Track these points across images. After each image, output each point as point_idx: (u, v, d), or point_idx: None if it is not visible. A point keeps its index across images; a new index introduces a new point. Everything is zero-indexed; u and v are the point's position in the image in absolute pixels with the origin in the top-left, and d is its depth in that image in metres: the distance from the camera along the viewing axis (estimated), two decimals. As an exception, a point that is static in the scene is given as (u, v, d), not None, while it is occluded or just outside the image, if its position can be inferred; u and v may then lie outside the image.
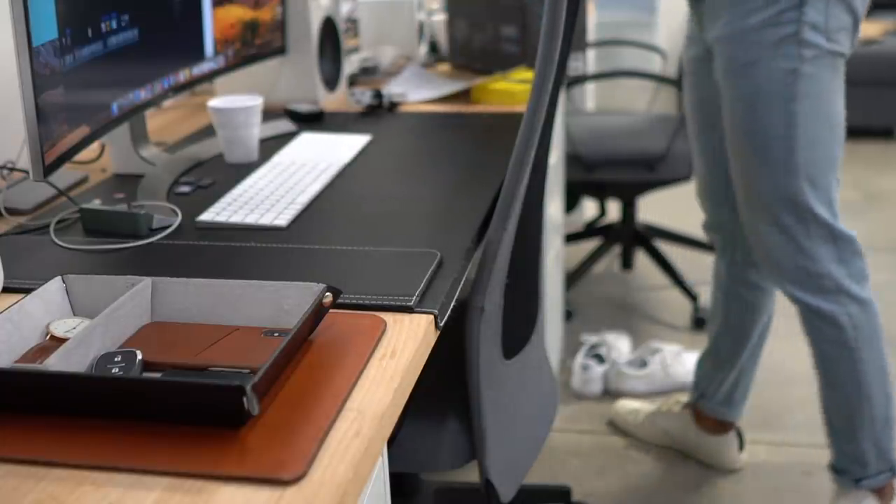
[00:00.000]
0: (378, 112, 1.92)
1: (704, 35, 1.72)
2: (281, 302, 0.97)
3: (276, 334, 0.95)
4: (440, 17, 2.45)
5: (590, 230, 3.26)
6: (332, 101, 2.02)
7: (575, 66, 2.53)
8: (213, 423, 0.78)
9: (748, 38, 1.59)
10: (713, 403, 2.08)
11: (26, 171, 1.49)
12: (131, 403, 0.80)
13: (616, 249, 3.24)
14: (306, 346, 0.92)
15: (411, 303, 1.01)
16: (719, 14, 1.63)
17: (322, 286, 0.95)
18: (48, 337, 0.94)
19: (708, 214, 1.95)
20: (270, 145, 1.66)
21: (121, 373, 0.87)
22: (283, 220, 1.27)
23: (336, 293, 0.95)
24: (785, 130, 1.59)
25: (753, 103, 1.60)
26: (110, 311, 0.93)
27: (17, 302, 0.95)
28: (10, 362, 0.89)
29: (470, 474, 2.02)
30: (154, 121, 1.94)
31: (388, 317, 0.99)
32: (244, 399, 0.75)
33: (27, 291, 1.04)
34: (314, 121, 1.86)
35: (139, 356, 0.89)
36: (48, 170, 1.19)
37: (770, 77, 1.58)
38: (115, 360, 0.88)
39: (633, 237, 3.11)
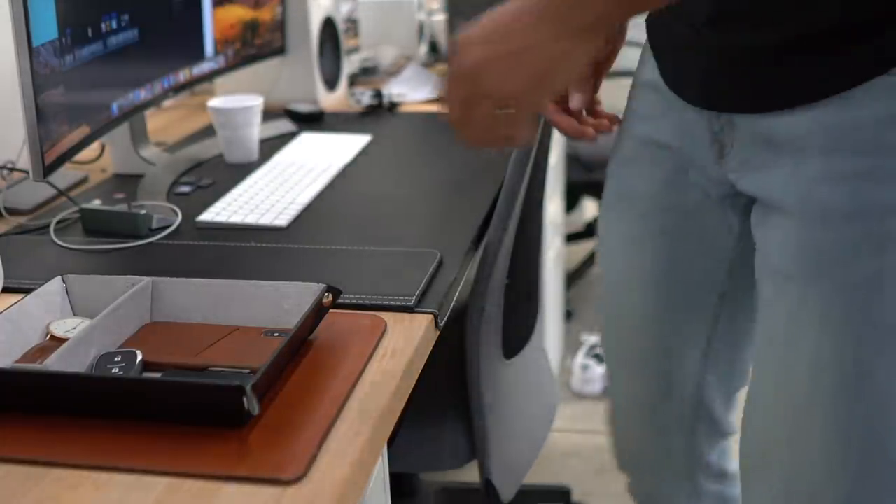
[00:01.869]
0: (378, 112, 1.92)
1: (738, 174, 0.97)
2: (281, 302, 0.97)
3: (276, 334, 0.95)
4: (440, 17, 2.45)
5: (590, 230, 3.26)
6: (332, 101, 2.02)
7: (575, 66, 2.52)
8: (213, 423, 0.78)
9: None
10: None
11: (26, 171, 1.49)
12: (131, 403, 0.80)
13: (616, 249, 3.23)
14: (306, 346, 0.92)
15: (411, 303, 1.01)
16: (804, 150, 0.87)
17: (322, 286, 0.95)
18: (48, 337, 0.94)
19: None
20: (270, 145, 1.66)
21: (121, 373, 0.87)
22: (283, 220, 1.27)
23: (336, 293, 0.95)
24: None
25: (881, 288, 0.85)
26: (110, 311, 0.93)
27: (17, 302, 0.95)
28: (10, 362, 0.89)
29: (470, 474, 2.02)
30: (154, 121, 1.94)
31: (388, 317, 0.99)
32: (244, 399, 0.75)
33: (27, 291, 1.04)
34: (314, 121, 1.86)
35: (139, 356, 0.89)
36: (48, 170, 1.19)
37: None
38: (115, 360, 0.88)
39: (633, 237, 3.11)
